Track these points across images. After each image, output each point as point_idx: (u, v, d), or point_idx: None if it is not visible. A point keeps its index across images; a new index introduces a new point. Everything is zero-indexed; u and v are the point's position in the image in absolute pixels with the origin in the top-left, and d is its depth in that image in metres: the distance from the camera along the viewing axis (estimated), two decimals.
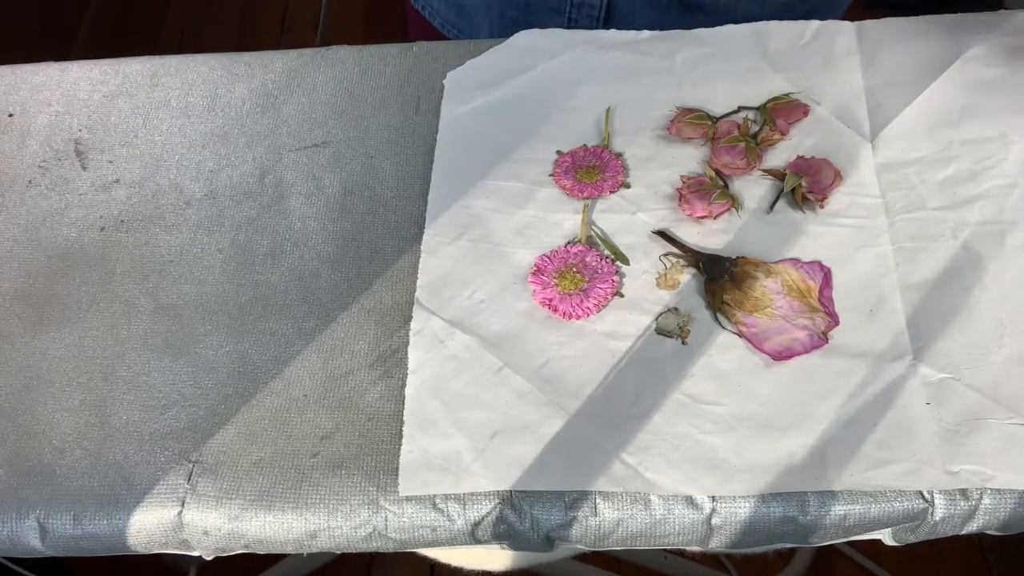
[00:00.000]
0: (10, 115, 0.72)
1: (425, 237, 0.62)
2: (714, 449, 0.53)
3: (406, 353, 0.58)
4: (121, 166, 0.69)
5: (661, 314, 0.58)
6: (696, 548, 0.55)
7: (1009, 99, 0.65)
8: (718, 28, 0.71)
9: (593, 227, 0.62)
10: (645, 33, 0.71)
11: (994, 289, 0.57)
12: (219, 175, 0.68)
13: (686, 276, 0.59)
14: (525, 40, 0.72)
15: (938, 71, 0.67)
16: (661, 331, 0.57)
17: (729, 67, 0.69)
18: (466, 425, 0.54)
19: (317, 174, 0.67)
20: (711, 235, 0.61)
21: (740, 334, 0.57)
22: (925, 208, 0.61)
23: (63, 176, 0.68)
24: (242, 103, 0.71)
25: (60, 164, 0.69)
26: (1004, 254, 0.59)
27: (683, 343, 0.57)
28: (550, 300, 0.58)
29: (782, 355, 0.56)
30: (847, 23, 0.71)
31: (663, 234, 0.61)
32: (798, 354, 0.56)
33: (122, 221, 0.66)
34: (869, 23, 0.70)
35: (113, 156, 0.69)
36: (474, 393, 0.56)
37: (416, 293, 0.60)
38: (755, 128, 0.65)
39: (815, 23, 0.70)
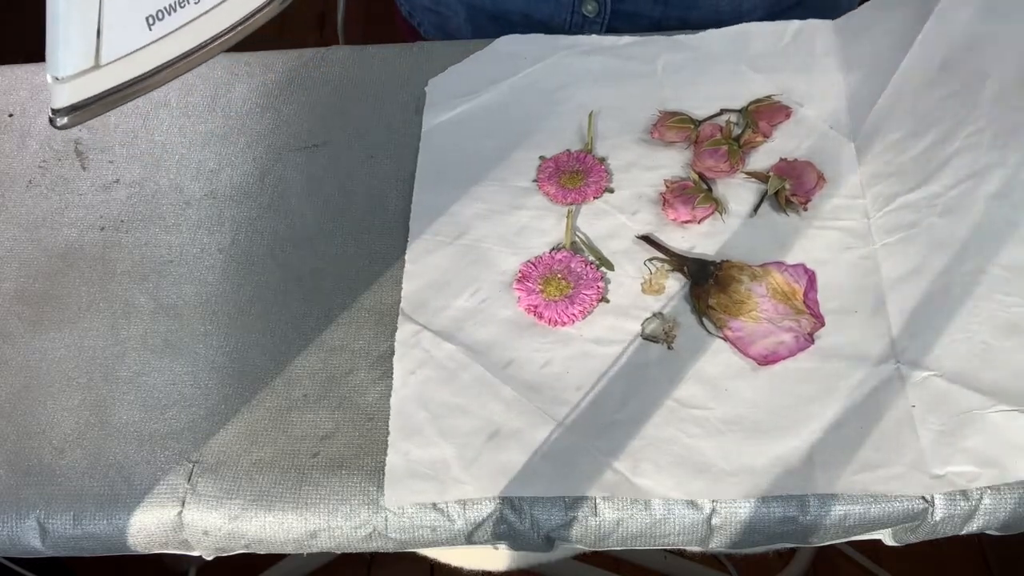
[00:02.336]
0: (10, 115, 0.72)
1: (408, 246, 0.62)
2: (702, 453, 0.53)
3: None
4: (121, 166, 0.69)
5: (647, 319, 0.58)
6: (696, 548, 0.55)
7: (985, 32, 0.62)
8: (699, 32, 0.71)
9: (577, 233, 0.62)
10: (626, 38, 0.71)
11: (969, 261, 0.56)
12: (219, 175, 0.68)
13: (671, 281, 0.59)
14: (507, 46, 0.71)
15: (913, 38, 0.64)
16: (647, 337, 0.57)
17: (711, 70, 0.69)
18: (452, 434, 0.54)
19: (317, 174, 0.67)
20: (696, 239, 0.61)
21: (726, 338, 0.57)
22: (902, 194, 0.60)
23: (63, 176, 0.68)
24: (242, 103, 0.71)
25: (60, 164, 0.69)
26: (978, 210, 0.57)
27: (669, 348, 0.57)
28: (535, 307, 0.58)
29: (768, 359, 0.56)
30: (826, 22, 0.70)
31: (647, 239, 0.61)
32: (783, 358, 0.56)
33: (122, 221, 0.66)
34: (845, 17, 0.70)
35: (113, 156, 0.69)
36: (460, 402, 0.55)
37: (400, 304, 0.60)
38: (738, 131, 0.65)
39: (795, 23, 0.70)
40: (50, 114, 0.48)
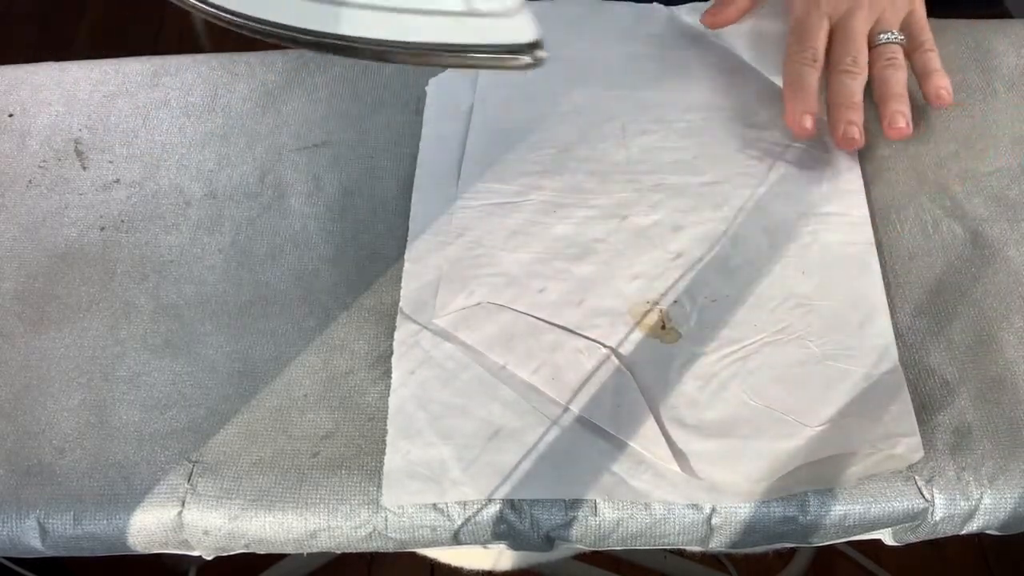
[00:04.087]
0: (10, 115, 0.72)
1: (408, 246, 0.62)
2: (700, 455, 0.52)
3: None
4: (121, 166, 0.69)
5: (646, 312, 0.58)
6: (696, 548, 0.55)
7: None
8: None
9: None
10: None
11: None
12: (219, 175, 0.68)
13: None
14: None
15: None
16: (646, 336, 0.57)
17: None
18: (451, 434, 0.54)
19: (317, 174, 0.67)
20: None
21: None
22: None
23: (63, 176, 0.68)
24: (242, 103, 0.71)
25: (60, 164, 0.69)
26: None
27: (669, 346, 0.56)
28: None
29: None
30: None
31: None
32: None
33: (122, 221, 0.66)
34: None
35: (113, 156, 0.69)
36: (459, 402, 0.55)
37: (400, 303, 0.60)
38: None
39: None
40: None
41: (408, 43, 0.45)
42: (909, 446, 0.52)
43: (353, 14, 0.45)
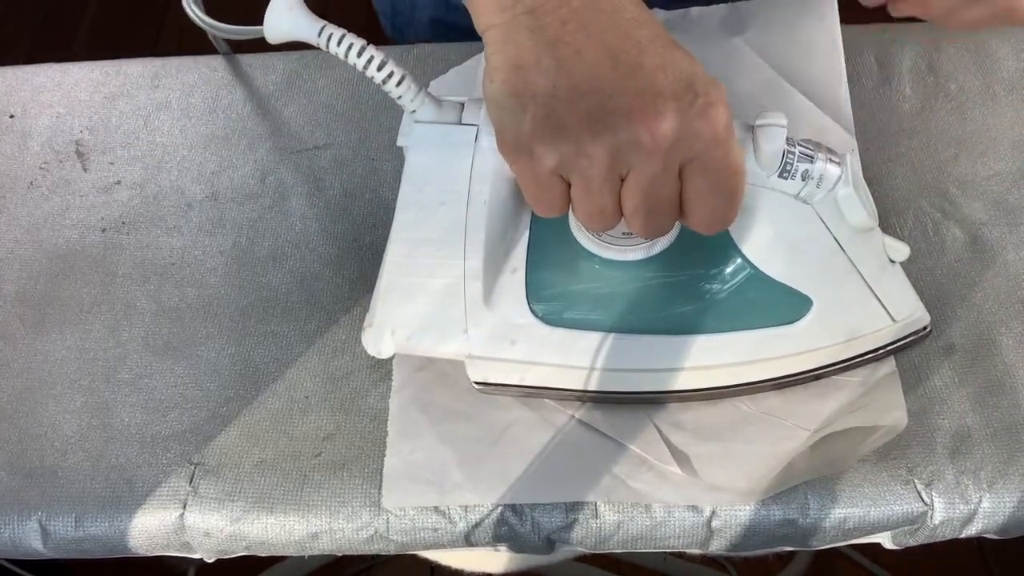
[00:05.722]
0: (11, 116, 0.72)
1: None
2: (699, 457, 0.52)
3: None
4: (122, 168, 0.69)
5: None
6: (696, 550, 0.55)
7: None
8: (690, 9, 0.69)
9: None
10: None
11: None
12: (220, 177, 0.68)
13: None
14: None
15: None
16: None
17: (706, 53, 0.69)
18: (452, 438, 0.54)
19: (318, 176, 0.67)
20: None
21: None
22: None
23: (64, 178, 0.68)
24: (243, 105, 0.71)
25: (61, 165, 0.69)
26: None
27: None
28: None
29: None
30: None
31: None
32: None
33: (123, 223, 0.66)
34: None
35: (114, 158, 0.69)
36: (460, 406, 0.55)
37: None
38: None
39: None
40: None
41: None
42: (896, 417, 0.52)
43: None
